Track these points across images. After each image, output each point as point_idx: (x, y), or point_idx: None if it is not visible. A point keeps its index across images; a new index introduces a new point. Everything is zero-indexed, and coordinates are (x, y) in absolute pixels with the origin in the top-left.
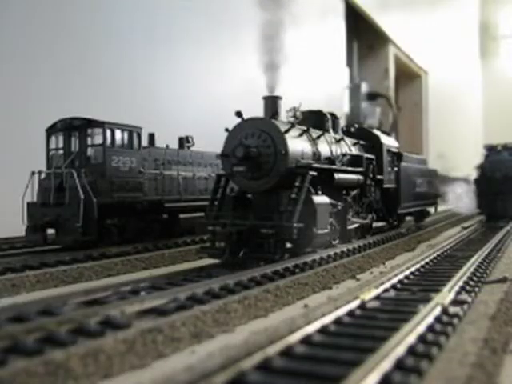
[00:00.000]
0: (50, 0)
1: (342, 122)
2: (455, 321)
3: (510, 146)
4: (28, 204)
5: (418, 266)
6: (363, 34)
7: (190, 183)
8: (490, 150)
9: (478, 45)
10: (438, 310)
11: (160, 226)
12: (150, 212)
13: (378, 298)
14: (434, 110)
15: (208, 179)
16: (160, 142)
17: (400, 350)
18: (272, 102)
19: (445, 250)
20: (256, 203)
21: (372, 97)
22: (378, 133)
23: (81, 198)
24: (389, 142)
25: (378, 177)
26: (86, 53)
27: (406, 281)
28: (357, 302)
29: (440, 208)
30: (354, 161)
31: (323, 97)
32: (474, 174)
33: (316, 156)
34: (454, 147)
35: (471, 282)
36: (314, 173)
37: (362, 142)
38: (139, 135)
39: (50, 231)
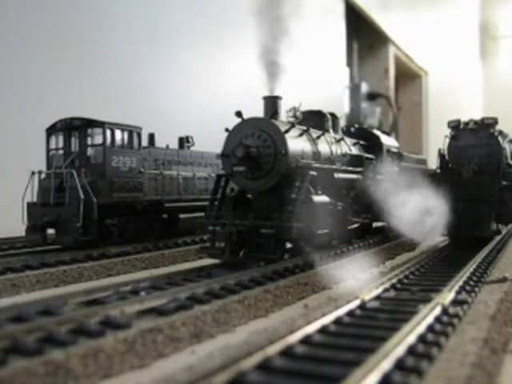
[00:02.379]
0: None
1: (342, 122)
2: (455, 321)
3: (488, 122)
4: (28, 204)
5: (417, 266)
6: (363, 34)
7: (190, 183)
8: (458, 128)
9: (478, 45)
10: (437, 310)
11: (160, 226)
12: (150, 212)
13: (378, 297)
14: (434, 109)
15: (208, 179)
16: (160, 142)
17: (400, 350)
18: (272, 102)
19: (445, 250)
20: (256, 203)
21: (372, 97)
22: (377, 133)
23: (81, 197)
24: (389, 141)
25: (378, 177)
26: (86, 52)
27: (405, 281)
28: (357, 302)
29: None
30: (354, 161)
31: (323, 97)
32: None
33: (316, 156)
34: None
35: (471, 282)
36: (314, 173)
37: (362, 142)
38: (139, 135)
39: (50, 231)
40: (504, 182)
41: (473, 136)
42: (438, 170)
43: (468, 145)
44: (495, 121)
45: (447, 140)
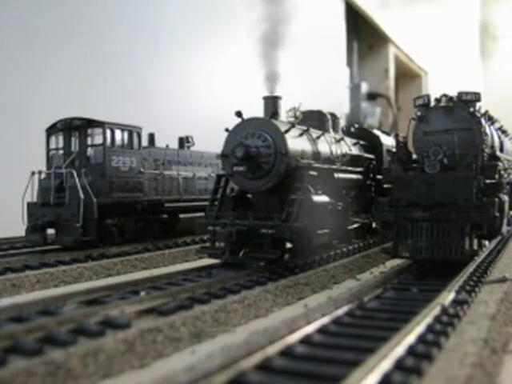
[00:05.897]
0: (50, 0)
1: (342, 122)
2: (455, 321)
3: (467, 98)
4: (28, 204)
5: (417, 266)
6: (363, 34)
7: (189, 183)
8: (427, 108)
9: (478, 44)
10: (437, 310)
11: (160, 226)
12: (150, 212)
13: (378, 297)
14: None
15: (208, 179)
16: (160, 142)
17: (400, 350)
18: (272, 102)
19: None
20: (256, 203)
21: (372, 97)
22: (377, 133)
23: (81, 197)
24: (389, 141)
25: (378, 177)
26: (86, 53)
27: (405, 281)
28: (356, 302)
29: None
30: (354, 161)
31: (323, 97)
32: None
33: (316, 156)
34: None
35: (471, 282)
36: (314, 173)
37: (362, 142)
38: (139, 135)
39: (50, 231)
40: (485, 180)
41: (447, 117)
42: (392, 164)
43: (439, 129)
44: (477, 97)
45: (413, 123)
